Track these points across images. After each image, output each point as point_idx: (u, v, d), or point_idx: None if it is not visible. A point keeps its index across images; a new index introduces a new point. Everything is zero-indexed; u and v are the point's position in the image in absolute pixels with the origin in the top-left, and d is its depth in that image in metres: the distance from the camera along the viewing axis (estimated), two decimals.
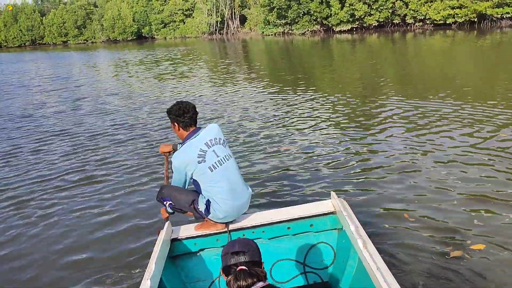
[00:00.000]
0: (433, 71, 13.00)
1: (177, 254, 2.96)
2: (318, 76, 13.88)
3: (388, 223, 3.82)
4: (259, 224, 2.94)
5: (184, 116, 2.89)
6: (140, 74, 18.17)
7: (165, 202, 2.95)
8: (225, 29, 55.56)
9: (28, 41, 78.60)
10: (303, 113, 8.37)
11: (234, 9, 54.80)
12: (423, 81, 11.02)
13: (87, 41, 72.09)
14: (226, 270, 1.88)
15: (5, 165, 6.70)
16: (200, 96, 11.47)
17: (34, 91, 15.25)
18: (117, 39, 66.70)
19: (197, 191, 2.94)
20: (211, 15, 55.19)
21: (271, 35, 45.07)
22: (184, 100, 3.06)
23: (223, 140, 2.96)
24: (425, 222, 3.80)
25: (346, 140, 6.38)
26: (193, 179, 2.89)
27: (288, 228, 2.96)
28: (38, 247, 4.05)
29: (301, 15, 41.27)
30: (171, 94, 12.13)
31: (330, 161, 5.58)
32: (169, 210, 2.97)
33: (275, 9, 42.46)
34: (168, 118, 3.01)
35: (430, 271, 3.06)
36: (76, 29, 72.67)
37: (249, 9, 53.58)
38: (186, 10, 60.86)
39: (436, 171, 4.94)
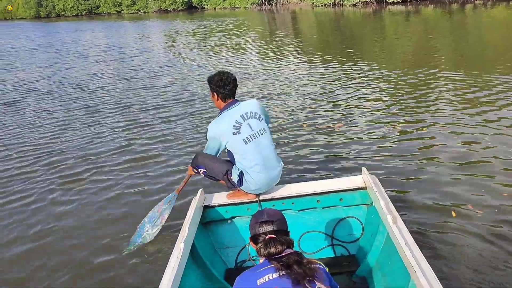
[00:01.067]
0: (494, 46, 12.15)
1: (209, 220, 3.11)
2: (369, 49, 13.56)
3: (425, 212, 3.70)
4: (289, 195, 3.04)
5: (225, 87, 2.96)
6: (192, 45, 18.32)
7: (199, 170, 3.09)
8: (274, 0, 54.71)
9: (85, 10, 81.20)
10: (350, 87, 8.32)
11: None
12: (483, 56, 10.43)
13: (140, 11, 73.35)
14: (255, 238, 1.97)
15: (58, 136, 6.92)
16: (249, 68, 11.54)
17: (91, 61, 15.72)
18: (168, 9, 67.43)
19: (230, 162, 3.05)
20: None
21: (321, 6, 43.97)
22: (225, 71, 3.10)
23: (259, 114, 3.00)
24: (468, 216, 3.58)
25: (392, 117, 6.29)
26: (228, 150, 2.99)
27: (318, 201, 3.04)
28: (89, 214, 4.33)
29: None
30: (222, 66, 12.25)
31: (370, 137, 5.57)
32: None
33: None
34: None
35: (464, 258, 3.04)
36: None
37: None
38: None
39: (495, 159, 4.54)
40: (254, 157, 2.91)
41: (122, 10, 75.73)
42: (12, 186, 5.17)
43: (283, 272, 1.75)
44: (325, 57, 12.39)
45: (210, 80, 3.02)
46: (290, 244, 1.92)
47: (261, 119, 3.02)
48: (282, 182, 3.18)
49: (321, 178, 4.38)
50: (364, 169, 3.10)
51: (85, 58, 16.90)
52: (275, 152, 3.06)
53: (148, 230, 3.51)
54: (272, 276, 1.75)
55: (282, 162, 3.13)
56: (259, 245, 1.91)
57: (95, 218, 4.25)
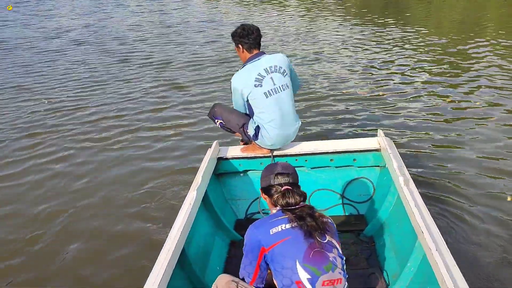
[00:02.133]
0: None
1: (222, 172, 3.13)
2: (411, 11, 12.89)
3: (439, 181, 3.66)
4: (303, 153, 3.03)
5: (249, 37, 2.90)
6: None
7: (216, 120, 3.10)
8: None
9: None
10: (387, 53, 7.98)
11: None
12: None
13: None
14: (268, 189, 1.97)
15: (89, 91, 6.77)
16: (288, 27, 11.20)
17: (130, 12, 15.36)
18: None
19: (248, 115, 3.03)
20: None
21: None
22: (247, 23, 3.06)
23: (284, 69, 2.93)
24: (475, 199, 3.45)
25: (426, 87, 6.02)
26: (248, 102, 2.96)
27: (331, 160, 3.03)
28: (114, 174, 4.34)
29: None
30: (255, 23, 11.87)
31: (397, 105, 5.43)
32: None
33: None
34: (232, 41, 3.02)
35: (474, 232, 3.02)
36: None
37: None
38: None
39: None
40: (272, 112, 2.88)
41: None
42: (39, 133, 5.27)
43: (295, 223, 1.79)
44: (366, 20, 11.81)
45: (234, 34, 2.99)
46: (305, 197, 1.94)
47: (285, 74, 2.94)
48: (297, 139, 3.18)
49: (336, 137, 4.37)
50: (380, 131, 3.05)
51: (125, 7, 16.63)
52: (294, 109, 3.02)
53: None
54: (285, 227, 1.79)
55: (299, 121, 3.10)
56: (276, 195, 1.91)
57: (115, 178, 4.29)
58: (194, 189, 2.57)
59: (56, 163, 4.52)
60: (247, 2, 16.73)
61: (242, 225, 2.98)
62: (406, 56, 7.68)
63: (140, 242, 3.20)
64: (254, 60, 2.92)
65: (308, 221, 1.79)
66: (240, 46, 2.97)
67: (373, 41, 8.96)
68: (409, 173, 2.61)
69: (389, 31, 9.84)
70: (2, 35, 11.83)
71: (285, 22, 11.99)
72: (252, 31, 2.92)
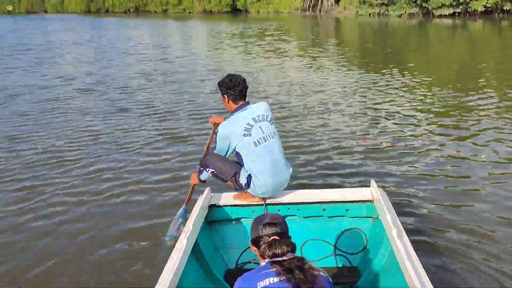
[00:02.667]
0: None
1: (214, 219, 3.10)
2: (411, 62, 13.22)
3: (432, 227, 3.67)
4: (295, 202, 3.02)
5: (235, 89, 2.96)
6: (235, 49, 18.30)
7: (207, 169, 3.07)
8: (318, 6, 54.55)
9: (132, 7, 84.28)
10: (382, 98, 8.15)
11: None
12: None
13: (185, 10, 75.23)
14: (257, 241, 1.96)
15: (87, 140, 6.52)
16: (287, 73, 11.52)
17: (134, 60, 15.67)
18: (213, 10, 68.66)
19: (239, 164, 3.03)
20: None
21: (365, 15, 43.53)
22: (235, 73, 3.11)
23: (270, 118, 3.01)
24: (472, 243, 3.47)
25: (420, 132, 6.13)
26: (237, 152, 2.98)
27: (324, 209, 3.01)
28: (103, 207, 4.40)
29: None
30: (262, 71, 12.22)
31: (391, 151, 5.46)
32: (203, 178, 3.14)
33: None
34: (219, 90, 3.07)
35: (466, 276, 3.00)
36: None
37: None
38: None
39: None
40: (263, 160, 2.91)
41: (168, 9, 78.00)
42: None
43: (284, 276, 1.75)
44: (364, 67, 12.21)
45: (220, 83, 3.05)
46: (293, 248, 1.91)
47: (272, 122, 3.03)
48: (290, 187, 3.17)
49: (330, 186, 4.32)
50: (373, 181, 3.06)
51: (128, 55, 17.03)
52: (284, 156, 3.05)
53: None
54: (273, 280, 1.75)
55: (291, 168, 3.12)
56: (263, 246, 1.90)
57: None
58: (185, 237, 2.54)
59: (49, 218, 4.23)
60: (252, 51, 17.25)
61: (233, 275, 2.89)
62: (404, 106, 7.76)
63: None
64: (240, 110, 2.98)
65: (296, 273, 1.74)
66: (225, 96, 3.03)
67: (371, 89, 9.13)
68: (403, 225, 2.58)
69: (388, 80, 10.07)
70: (2, 82, 11.74)
71: (287, 70, 12.23)
72: (238, 83, 2.99)
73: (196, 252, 2.77)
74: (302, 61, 14.07)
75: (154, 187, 4.79)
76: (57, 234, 3.92)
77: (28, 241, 3.81)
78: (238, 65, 13.59)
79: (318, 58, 14.50)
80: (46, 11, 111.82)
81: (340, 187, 4.03)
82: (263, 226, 1.96)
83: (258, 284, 1.76)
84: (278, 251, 1.85)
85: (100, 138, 6.55)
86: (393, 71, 11.26)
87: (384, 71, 11.37)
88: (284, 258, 1.85)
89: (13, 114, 8.20)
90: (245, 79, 3.06)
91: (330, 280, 1.85)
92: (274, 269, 1.79)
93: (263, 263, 1.90)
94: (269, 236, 1.92)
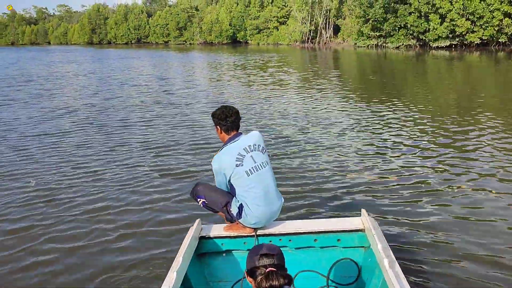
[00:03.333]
0: None
1: (204, 252, 3.05)
2: (408, 93, 13.26)
3: (425, 256, 3.66)
4: (287, 232, 3.01)
5: (227, 120, 3.01)
6: (235, 80, 18.43)
7: (199, 200, 3.06)
8: (317, 38, 55.59)
9: (134, 39, 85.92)
10: (378, 130, 8.11)
11: (328, 18, 54.67)
12: None
13: (186, 42, 76.63)
14: (253, 272, 1.93)
15: (90, 178, 6.77)
16: (285, 105, 11.57)
17: (136, 91, 15.61)
18: (213, 41, 69.96)
19: (231, 194, 3.03)
20: (305, 23, 55.59)
21: (364, 47, 44.29)
22: (227, 105, 3.17)
23: (262, 147, 3.04)
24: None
25: (413, 164, 6.05)
26: (230, 182, 2.99)
27: (315, 240, 3.00)
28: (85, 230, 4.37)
29: (397, 28, 40.05)
30: (260, 103, 12.29)
31: (383, 182, 5.39)
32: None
33: (370, 21, 41.65)
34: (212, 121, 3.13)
35: None
36: (177, 31, 77.82)
37: (343, 19, 53.10)
38: (281, 18, 62.15)
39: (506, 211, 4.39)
40: (256, 189, 2.91)
41: (169, 40, 79.44)
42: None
43: None
44: (362, 99, 12.25)
45: (213, 114, 3.09)
46: (290, 280, 1.88)
47: (264, 151, 3.05)
48: (281, 217, 3.16)
49: (321, 216, 4.36)
50: (363, 211, 3.06)
51: (130, 87, 17.10)
52: (276, 186, 3.06)
53: None
54: None
55: (282, 199, 3.13)
56: (259, 277, 1.87)
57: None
58: (174, 271, 2.49)
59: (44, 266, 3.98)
60: (254, 82, 17.38)
61: None
62: (401, 137, 7.69)
63: None
64: (233, 141, 3.02)
65: None
66: (218, 127, 3.09)
67: (369, 122, 9.08)
68: (395, 254, 2.59)
69: (387, 113, 10.04)
70: (0, 114, 11.65)
71: (288, 102, 12.28)
72: (230, 114, 3.05)
73: (186, 286, 2.71)
74: (303, 92, 14.16)
75: (153, 230, 4.55)
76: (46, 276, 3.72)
77: None
78: (240, 97, 13.63)
79: (320, 89, 14.60)
80: (49, 43, 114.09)
81: (332, 216, 4.04)
82: (260, 257, 1.95)
83: None
84: (275, 283, 1.83)
85: (97, 174, 6.35)
86: (393, 102, 11.30)
87: (379, 102, 11.41)
88: None
89: (9, 148, 8.04)
90: (237, 111, 3.10)
91: None
92: None
93: None
94: (266, 267, 1.91)
